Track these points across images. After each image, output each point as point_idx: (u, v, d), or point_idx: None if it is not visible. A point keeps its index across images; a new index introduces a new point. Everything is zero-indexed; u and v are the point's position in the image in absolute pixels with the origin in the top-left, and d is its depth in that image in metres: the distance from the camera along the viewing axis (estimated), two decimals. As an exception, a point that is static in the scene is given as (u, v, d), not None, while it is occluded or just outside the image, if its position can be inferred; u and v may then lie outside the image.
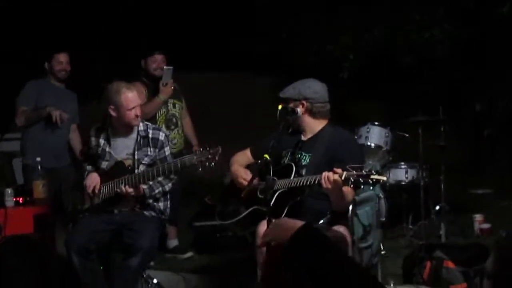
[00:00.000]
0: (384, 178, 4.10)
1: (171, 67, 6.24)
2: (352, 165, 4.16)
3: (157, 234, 5.01)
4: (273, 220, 2.62)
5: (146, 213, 5.11)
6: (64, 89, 6.53)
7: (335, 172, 4.17)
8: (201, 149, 4.79)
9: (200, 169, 4.75)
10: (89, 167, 5.25)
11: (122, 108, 5.02)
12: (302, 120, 4.79)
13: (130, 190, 4.95)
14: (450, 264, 5.30)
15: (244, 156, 5.05)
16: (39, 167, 5.78)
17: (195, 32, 11.61)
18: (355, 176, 4.11)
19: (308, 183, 4.42)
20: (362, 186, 4.28)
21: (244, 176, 4.85)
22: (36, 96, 6.33)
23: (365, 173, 4.09)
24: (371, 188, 4.81)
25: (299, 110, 4.71)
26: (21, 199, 5.67)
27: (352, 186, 4.18)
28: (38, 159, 5.84)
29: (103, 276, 4.98)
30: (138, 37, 10.70)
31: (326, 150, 4.66)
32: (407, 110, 7.08)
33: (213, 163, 4.75)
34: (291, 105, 4.73)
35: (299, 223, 2.50)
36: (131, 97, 5.02)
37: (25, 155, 6.46)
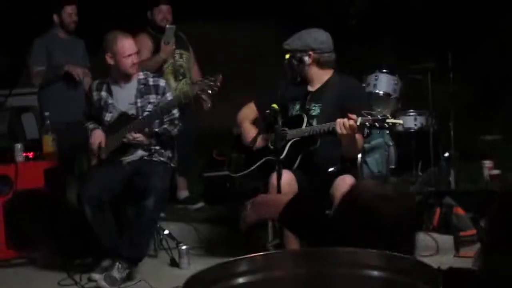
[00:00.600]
0: (401, 122, 4.13)
1: (173, 26, 6.23)
2: (366, 111, 4.20)
3: (167, 176, 5.09)
4: (251, 201, 2.62)
5: (154, 159, 5.18)
6: (72, 38, 6.52)
7: (350, 118, 4.20)
8: (201, 79, 4.88)
9: (208, 105, 4.76)
10: (91, 125, 5.30)
11: (119, 56, 5.10)
12: (309, 71, 4.81)
13: (137, 135, 5.02)
14: (460, 211, 5.36)
15: (249, 110, 5.06)
16: (48, 122, 5.81)
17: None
18: (370, 121, 4.14)
19: (322, 131, 4.46)
20: (378, 131, 4.30)
21: (251, 134, 4.87)
22: (46, 53, 6.33)
23: (380, 117, 4.12)
24: (387, 132, 4.81)
25: (307, 59, 4.72)
26: (31, 154, 5.73)
27: (367, 131, 4.22)
28: (47, 113, 5.88)
29: (116, 227, 5.06)
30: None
31: (336, 99, 4.69)
32: (415, 57, 7.05)
33: (215, 89, 4.81)
34: (298, 55, 4.74)
35: (282, 198, 2.50)
36: (127, 44, 5.09)
37: (42, 111, 6.47)
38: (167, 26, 6.23)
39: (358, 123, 4.18)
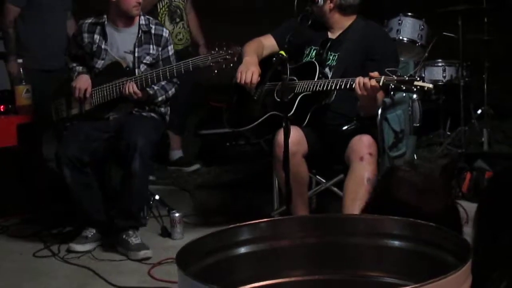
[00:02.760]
0: (430, 86, 4.10)
1: None
2: (389, 69, 4.17)
3: (152, 130, 5.04)
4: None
5: (144, 114, 5.16)
6: None
7: (371, 77, 4.18)
8: (217, 49, 4.80)
9: (215, 72, 4.76)
10: (79, 68, 5.27)
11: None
12: (331, 17, 4.76)
13: (138, 91, 4.98)
14: (493, 176, 5.36)
15: (260, 46, 4.96)
16: (21, 70, 5.79)
17: None
18: (395, 81, 4.12)
19: (337, 87, 4.43)
20: (404, 94, 4.26)
21: (255, 75, 4.76)
22: None
23: (407, 78, 4.09)
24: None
25: (328, 4, 4.67)
26: (2, 107, 5.72)
27: (391, 93, 4.21)
28: (20, 60, 5.86)
29: (99, 192, 5.07)
30: None
31: (357, 47, 4.65)
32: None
33: (231, 65, 4.77)
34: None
35: None
36: None
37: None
38: None
39: (380, 84, 4.15)
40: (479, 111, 6.82)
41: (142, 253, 4.83)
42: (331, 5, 4.70)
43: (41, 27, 6.19)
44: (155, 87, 5.08)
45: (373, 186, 2.40)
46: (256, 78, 4.67)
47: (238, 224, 1.78)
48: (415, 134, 5.77)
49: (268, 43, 4.94)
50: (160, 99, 5.12)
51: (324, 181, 4.93)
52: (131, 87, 4.95)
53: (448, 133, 6.90)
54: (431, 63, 6.79)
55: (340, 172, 4.71)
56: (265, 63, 4.82)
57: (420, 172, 2.29)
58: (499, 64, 7.01)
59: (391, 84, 4.13)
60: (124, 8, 5.08)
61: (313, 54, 4.80)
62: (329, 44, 4.78)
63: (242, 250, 1.77)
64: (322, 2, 4.65)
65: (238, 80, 4.70)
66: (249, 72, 4.68)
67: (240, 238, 1.77)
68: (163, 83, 5.11)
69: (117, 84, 5.04)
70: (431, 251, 1.70)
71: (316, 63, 4.65)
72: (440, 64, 6.80)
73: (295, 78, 4.64)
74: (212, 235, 1.75)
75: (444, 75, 6.76)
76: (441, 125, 6.99)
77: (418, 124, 6.04)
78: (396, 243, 1.76)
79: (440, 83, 6.75)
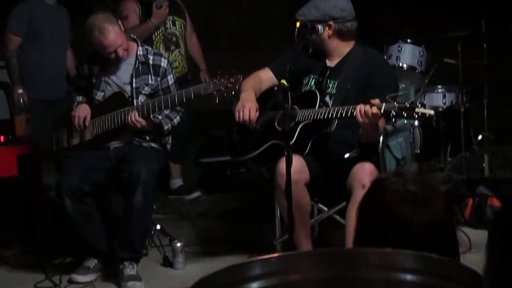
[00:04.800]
0: (431, 112, 4.10)
1: None
2: (390, 95, 4.18)
3: (155, 162, 5.04)
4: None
5: (144, 144, 5.17)
6: (56, 5, 6.49)
7: (372, 104, 4.19)
8: (219, 77, 4.81)
9: (217, 101, 4.77)
10: (79, 98, 5.29)
11: (101, 50, 5.06)
12: (329, 44, 4.79)
13: (141, 119, 4.99)
14: (495, 201, 5.37)
15: (257, 80, 5.01)
16: (21, 100, 5.82)
17: None
18: (396, 108, 4.12)
19: (339, 115, 4.44)
20: (405, 121, 4.27)
21: (252, 111, 4.76)
22: (28, 18, 6.29)
23: (408, 105, 4.11)
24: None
25: (320, 27, 4.70)
26: (2, 137, 5.72)
27: (392, 120, 4.21)
28: (20, 91, 5.88)
29: (101, 221, 5.06)
30: None
31: (356, 74, 4.68)
32: (444, 24, 7.04)
33: (232, 93, 4.78)
34: (317, 26, 4.70)
35: None
36: (105, 43, 4.98)
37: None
38: None
39: (382, 111, 4.16)
40: (479, 137, 6.84)
41: (130, 284, 4.81)
42: (330, 31, 4.72)
43: (41, 57, 6.24)
44: (159, 117, 5.09)
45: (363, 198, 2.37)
46: (254, 114, 4.68)
47: (250, 259, 1.78)
48: (416, 160, 5.78)
49: (266, 76, 4.97)
50: (166, 128, 5.14)
51: (326, 209, 4.93)
52: (133, 116, 4.96)
53: (449, 159, 6.90)
54: (431, 89, 6.81)
55: (342, 200, 4.71)
56: (266, 92, 4.85)
57: (413, 182, 2.28)
58: (499, 89, 7.04)
59: (392, 111, 4.14)
60: (103, 54, 5.09)
61: (312, 83, 4.82)
62: (328, 72, 4.81)
63: (254, 285, 1.76)
64: (322, 30, 4.68)
65: (237, 119, 4.72)
66: (245, 109, 4.70)
67: (252, 273, 1.77)
68: (166, 112, 5.12)
69: (119, 114, 5.06)
70: (444, 284, 1.70)
71: (317, 92, 4.67)
72: (440, 90, 6.82)
73: (295, 107, 4.66)
74: (224, 270, 1.75)
75: (444, 101, 6.78)
76: (442, 151, 6.99)
77: (419, 151, 6.05)
78: (408, 276, 1.76)
79: (441, 109, 6.76)
